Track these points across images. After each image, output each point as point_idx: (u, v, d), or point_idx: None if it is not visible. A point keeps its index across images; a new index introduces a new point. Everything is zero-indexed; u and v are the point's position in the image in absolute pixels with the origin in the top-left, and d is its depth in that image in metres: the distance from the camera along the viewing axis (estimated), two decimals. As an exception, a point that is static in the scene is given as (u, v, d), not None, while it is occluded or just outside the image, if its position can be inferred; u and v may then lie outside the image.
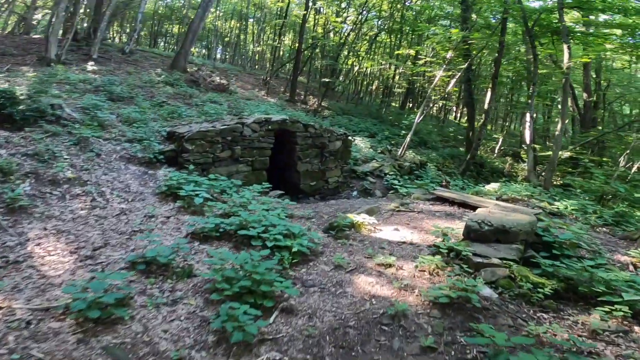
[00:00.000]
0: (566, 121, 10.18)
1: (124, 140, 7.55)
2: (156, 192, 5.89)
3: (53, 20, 12.82)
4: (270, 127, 7.73)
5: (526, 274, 3.60)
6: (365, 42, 22.11)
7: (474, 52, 15.60)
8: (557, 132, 9.87)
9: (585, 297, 3.85)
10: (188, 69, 16.96)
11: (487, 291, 3.43)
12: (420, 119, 12.39)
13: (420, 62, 17.47)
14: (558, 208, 7.55)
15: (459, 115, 30.88)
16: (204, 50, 31.93)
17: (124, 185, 6.01)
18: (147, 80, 13.69)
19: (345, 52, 20.94)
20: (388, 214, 6.10)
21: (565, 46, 9.95)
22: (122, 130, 8.04)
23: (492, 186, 9.00)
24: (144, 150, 7.17)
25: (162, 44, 31.63)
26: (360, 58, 21.47)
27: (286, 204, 5.89)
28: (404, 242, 4.88)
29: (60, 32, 14.75)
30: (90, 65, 13.20)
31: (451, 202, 7.03)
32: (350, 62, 22.40)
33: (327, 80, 17.65)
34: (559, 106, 23.37)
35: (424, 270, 3.86)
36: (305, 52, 20.18)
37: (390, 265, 4.00)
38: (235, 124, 7.15)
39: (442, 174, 12.56)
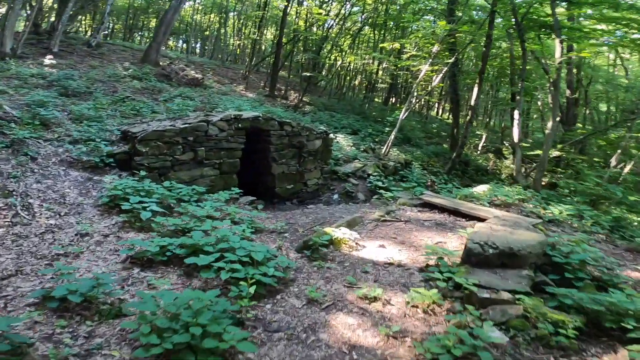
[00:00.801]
0: (557, 119, 9.71)
1: (69, 141, 6.53)
2: (98, 203, 4.95)
3: (9, 13, 11.68)
4: (240, 125, 6.85)
5: (543, 311, 2.92)
6: (348, 36, 21.35)
7: (459, 47, 15.05)
8: (547, 131, 9.37)
9: (605, 330, 3.22)
10: (161, 63, 15.90)
11: (496, 335, 2.72)
12: (405, 115, 11.72)
13: (405, 56, 16.82)
14: (553, 213, 7.00)
15: (440, 111, 30.57)
16: (183, 45, 30.51)
17: (59, 195, 5.04)
18: (111, 74, 12.61)
19: (329, 47, 20.15)
20: (372, 225, 5.36)
21: (557, 41, 9.43)
22: (68, 130, 7.01)
23: (481, 188, 8.40)
24: (90, 152, 6.19)
25: (138, 37, 30.08)
26: (344, 53, 20.69)
27: (255, 215, 5.05)
28: (390, 264, 4.14)
29: (27, 25, 13.68)
30: (48, 59, 12.15)
31: (440, 208, 6.35)
32: (333, 56, 21.61)
33: (308, 74, 16.79)
34: (539, 102, 23.34)
35: (417, 307, 3.12)
36: (287, 45, 19.27)
37: (375, 299, 3.25)
38: (199, 122, 6.24)
39: (428, 173, 11.95)
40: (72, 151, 6.15)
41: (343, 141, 12.49)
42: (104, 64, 13.66)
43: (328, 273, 3.90)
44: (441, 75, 12.49)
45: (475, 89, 12.20)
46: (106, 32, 27.27)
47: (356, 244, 4.64)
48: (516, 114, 11.08)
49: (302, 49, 20.73)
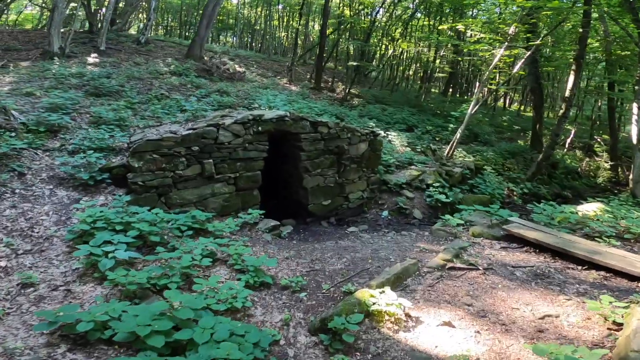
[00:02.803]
0: None
1: (69, 150, 5.67)
2: (71, 237, 3.87)
3: (54, 12, 11.81)
4: (260, 128, 5.45)
5: None
6: (400, 24, 19.12)
7: (544, 28, 12.22)
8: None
9: None
10: (205, 57, 15.42)
11: None
12: (475, 109, 9.52)
13: (472, 39, 14.29)
14: None
15: (507, 102, 26.88)
16: (235, 40, 30.60)
17: (30, 224, 4.05)
18: (152, 70, 12.18)
19: (378, 36, 18.13)
20: (432, 277, 3.63)
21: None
22: (75, 137, 6.19)
23: (590, 208, 6.11)
24: (88, 165, 5.23)
25: (192, 34, 30.81)
26: (395, 41, 18.53)
27: (261, 263, 3.56)
28: (467, 370, 2.44)
29: (71, 24, 14.08)
30: (92, 58, 12.07)
31: (537, 245, 4.38)
32: (383, 45, 19.55)
33: (355, 64, 15.04)
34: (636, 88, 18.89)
35: None
36: (332, 35, 17.71)
37: None
38: (206, 128, 4.96)
39: (504, 180, 9.64)
40: (71, 164, 5.25)
41: (396, 140, 10.63)
42: (149, 60, 13.42)
43: (357, 386, 2.33)
44: (523, 60, 10.02)
45: (571, 77, 9.58)
46: (157, 29, 28.07)
47: (406, 316, 2.98)
48: (635, 108, 8.33)
49: (348, 37, 19.01)
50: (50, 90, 8.33)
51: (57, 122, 6.32)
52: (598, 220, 5.22)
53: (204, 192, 5.06)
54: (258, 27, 29.13)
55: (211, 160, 4.98)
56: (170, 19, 29.83)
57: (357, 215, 6.92)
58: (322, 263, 3.99)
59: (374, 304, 2.95)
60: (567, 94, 9.50)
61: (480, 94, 10.52)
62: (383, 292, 3.07)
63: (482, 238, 4.72)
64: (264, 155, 5.59)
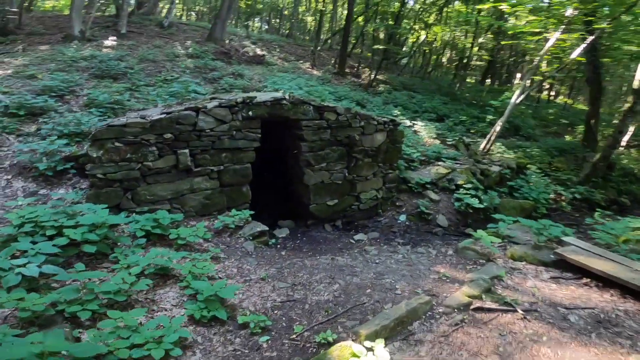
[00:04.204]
0: None
1: (43, 135, 5.07)
2: (3, 239, 3.21)
3: None
4: (251, 113, 4.57)
5: None
6: (434, 9, 17.47)
7: (606, 11, 10.35)
8: None
9: None
10: (226, 40, 14.90)
11: None
12: (520, 99, 8.12)
13: (520, 22, 12.55)
14: None
15: (553, 94, 24.31)
16: (264, 25, 30.03)
17: (-37, 222, 3.44)
18: (168, 53, 11.74)
19: (411, 22, 16.65)
20: (448, 323, 2.62)
21: None
22: (54, 121, 5.59)
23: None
24: (56, 153, 4.58)
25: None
26: (428, 27, 16.93)
27: (215, 291, 2.69)
28: None
29: (93, 7, 13.92)
30: (110, 41, 11.84)
31: (599, 277, 3.23)
32: (415, 33, 18.00)
33: (381, 47, 13.79)
34: None
35: None
36: (359, 18, 16.50)
37: None
38: (182, 112, 4.13)
39: (551, 181, 8.21)
40: (39, 150, 4.63)
41: (423, 130, 9.41)
42: (169, 43, 13.04)
43: None
44: (585, 45, 8.47)
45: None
46: (189, 14, 27.82)
47: (407, 391, 2.02)
48: None
49: (376, 19, 17.68)
50: (54, 73, 7.95)
51: (41, 105, 5.78)
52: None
53: (180, 188, 4.27)
54: (286, 12, 28.24)
55: (187, 151, 4.17)
56: (201, 4, 29.64)
57: (370, 218, 5.92)
58: (306, 290, 3.07)
59: (356, 370, 2.01)
60: (635, 84, 7.85)
61: (527, 82, 9.03)
62: (372, 349, 2.11)
63: (524, 262, 3.60)
64: (255, 145, 4.71)
